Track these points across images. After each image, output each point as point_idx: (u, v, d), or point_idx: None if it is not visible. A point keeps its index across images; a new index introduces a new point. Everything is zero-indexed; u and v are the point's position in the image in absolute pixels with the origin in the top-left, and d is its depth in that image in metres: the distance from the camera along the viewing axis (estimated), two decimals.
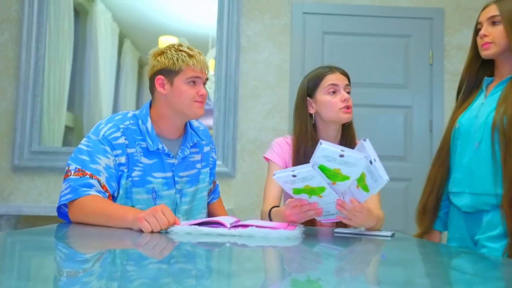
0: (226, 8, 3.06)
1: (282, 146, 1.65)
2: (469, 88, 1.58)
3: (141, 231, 1.19)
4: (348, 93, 1.59)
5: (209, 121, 3.04)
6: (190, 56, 1.45)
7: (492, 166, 1.38)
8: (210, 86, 3.11)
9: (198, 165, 1.59)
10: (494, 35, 1.44)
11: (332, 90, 1.56)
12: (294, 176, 1.16)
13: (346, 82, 1.59)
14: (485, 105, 1.46)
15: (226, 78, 3.04)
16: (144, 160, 1.45)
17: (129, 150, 1.44)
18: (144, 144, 1.46)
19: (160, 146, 1.47)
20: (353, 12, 3.17)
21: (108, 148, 1.41)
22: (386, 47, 3.17)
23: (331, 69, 1.60)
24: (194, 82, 1.46)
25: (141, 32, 3.16)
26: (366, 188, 1.19)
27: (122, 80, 3.14)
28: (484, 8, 1.50)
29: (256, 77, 3.10)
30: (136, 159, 1.44)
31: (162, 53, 1.47)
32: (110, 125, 1.44)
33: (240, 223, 1.23)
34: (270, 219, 1.46)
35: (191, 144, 1.56)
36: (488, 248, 1.36)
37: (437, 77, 3.15)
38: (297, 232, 1.20)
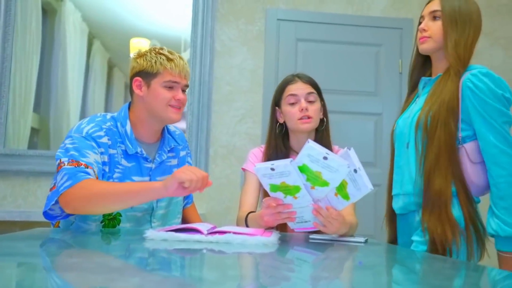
0: (201, 12, 3.05)
1: (257, 156, 1.69)
2: (412, 88, 1.57)
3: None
4: (312, 101, 1.60)
5: (182, 125, 3.02)
6: (169, 59, 1.44)
7: (415, 165, 1.39)
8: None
9: (175, 170, 1.57)
10: (433, 30, 1.42)
11: (291, 101, 1.59)
12: (272, 169, 1.17)
13: (308, 90, 1.59)
14: (416, 104, 1.46)
15: (200, 82, 3.02)
16: (124, 162, 1.44)
17: (111, 151, 1.42)
18: (123, 147, 1.45)
19: (138, 149, 1.46)
20: (326, 20, 3.22)
21: (94, 144, 1.38)
22: (357, 55, 3.23)
23: (294, 78, 1.63)
24: (171, 87, 1.45)
25: (111, 33, 3.10)
26: (346, 197, 1.21)
27: (91, 81, 3.08)
28: (428, 2, 1.48)
29: (230, 82, 3.10)
30: (117, 160, 1.43)
31: (142, 55, 1.46)
32: (92, 124, 1.42)
33: (217, 229, 1.22)
34: (247, 225, 1.47)
35: (168, 149, 1.55)
36: (418, 249, 1.36)
37: (406, 85, 3.23)
38: (273, 238, 1.20)
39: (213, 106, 3.05)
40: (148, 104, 1.45)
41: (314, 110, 1.59)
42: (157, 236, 1.16)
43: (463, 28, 1.40)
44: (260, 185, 1.65)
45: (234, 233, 1.17)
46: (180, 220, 1.61)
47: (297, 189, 1.19)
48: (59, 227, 1.49)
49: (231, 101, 3.09)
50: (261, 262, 1.05)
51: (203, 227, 1.23)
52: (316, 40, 3.21)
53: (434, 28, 1.42)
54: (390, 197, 1.55)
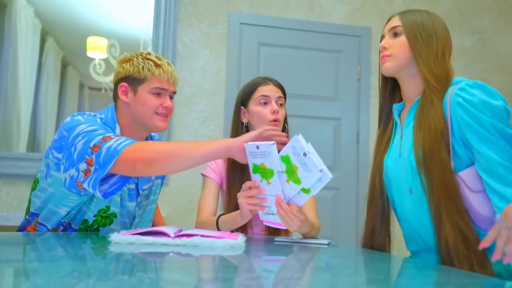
0: (163, 13, 3.02)
1: (217, 161, 1.68)
2: (385, 116, 1.40)
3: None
4: (281, 105, 1.62)
5: None
6: (157, 65, 1.39)
7: (428, 214, 1.19)
8: None
9: (158, 180, 1.58)
10: (393, 47, 1.29)
11: (263, 101, 1.60)
12: (257, 147, 1.22)
13: (279, 94, 1.62)
14: (404, 139, 1.29)
15: None
16: None
17: None
18: None
19: None
20: (288, 26, 3.27)
21: (100, 122, 1.34)
22: (318, 61, 3.30)
23: (265, 81, 1.64)
24: (159, 93, 1.40)
25: (66, 30, 3.01)
26: (298, 181, 1.19)
27: (43, 79, 2.97)
28: (388, 20, 1.36)
29: (192, 84, 3.08)
30: None
31: (128, 60, 1.41)
32: (86, 116, 1.36)
33: (184, 232, 1.21)
34: (218, 228, 1.47)
35: None
36: None
37: (364, 92, 3.33)
38: (240, 241, 1.21)
39: (175, 109, 3.02)
40: (134, 111, 1.40)
41: (282, 114, 1.62)
42: (122, 239, 1.14)
43: (429, 42, 1.26)
44: (219, 191, 1.66)
45: (202, 236, 1.17)
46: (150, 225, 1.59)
47: (271, 173, 1.23)
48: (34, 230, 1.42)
49: (194, 104, 3.07)
50: (229, 265, 1.06)
51: (170, 230, 1.22)
52: (278, 45, 3.26)
53: (395, 45, 1.29)
54: (367, 234, 1.40)
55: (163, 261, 1.04)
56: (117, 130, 1.40)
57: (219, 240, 1.16)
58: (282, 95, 1.64)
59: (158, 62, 1.40)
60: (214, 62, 3.13)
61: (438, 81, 1.23)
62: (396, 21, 1.31)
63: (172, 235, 1.17)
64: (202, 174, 1.69)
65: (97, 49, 3.09)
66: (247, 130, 1.66)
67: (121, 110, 1.43)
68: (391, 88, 1.39)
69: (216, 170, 1.66)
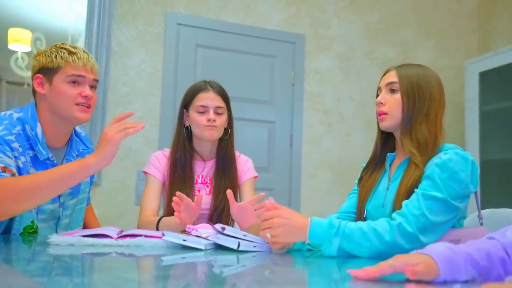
0: (97, 9, 2.93)
1: (160, 159, 1.68)
2: (377, 162, 1.39)
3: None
4: (220, 113, 1.64)
5: None
6: (71, 53, 1.35)
7: None
8: None
9: None
10: (390, 104, 1.29)
11: (200, 110, 1.63)
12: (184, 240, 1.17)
13: (218, 104, 1.64)
14: (389, 192, 1.30)
15: None
16: (32, 171, 1.32)
17: (22, 159, 1.30)
18: (32, 153, 1.33)
19: (50, 155, 1.35)
20: (225, 29, 3.31)
21: (7, 148, 1.25)
22: (254, 65, 3.37)
23: (206, 86, 1.65)
24: (76, 82, 1.35)
25: None
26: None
27: None
28: (385, 73, 1.35)
29: (127, 83, 3.02)
30: (26, 169, 1.30)
31: (42, 52, 1.38)
32: (1, 127, 1.29)
33: (127, 232, 1.21)
34: (157, 230, 1.46)
35: (76, 153, 1.47)
36: None
37: (298, 96, 3.46)
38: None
39: (108, 108, 2.95)
40: (52, 103, 1.35)
41: (221, 121, 1.65)
42: (62, 241, 1.12)
43: (422, 103, 1.26)
44: (162, 189, 1.66)
45: (146, 236, 1.17)
46: (81, 227, 1.54)
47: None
48: None
49: (128, 103, 3.01)
50: (174, 264, 1.07)
51: (111, 231, 1.21)
52: (215, 47, 3.28)
53: (392, 102, 1.29)
54: None
55: (105, 261, 1.03)
56: (38, 129, 1.34)
57: (163, 241, 1.17)
58: (221, 103, 1.65)
59: (73, 50, 1.36)
60: (150, 62, 3.09)
61: (422, 149, 1.23)
62: (393, 77, 1.30)
63: (115, 236, 1.16)
64: (145, 172, 1.68)
65: (19, 42, 2.93)
66: (189, 133, 1.68)
67: (40, 104, 1.38)
68: (385, 136, 1.39)
69: (158, 167, 1.66)
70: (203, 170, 1.70)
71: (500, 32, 3.74)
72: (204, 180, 1.70)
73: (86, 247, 1.12)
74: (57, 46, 1.37)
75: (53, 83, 1.35)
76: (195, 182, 1.67)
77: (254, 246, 1.13)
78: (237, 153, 1.77)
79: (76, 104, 1.35)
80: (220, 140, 1.70)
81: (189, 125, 1.67)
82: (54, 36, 2.89)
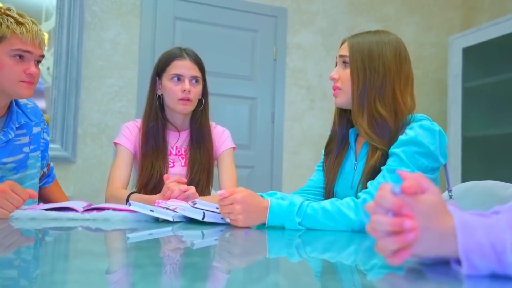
0: None
1: (131, 129, 1.61)
2: (339, 139, 1.29)
3: None
4: (196, 82, 1.56)
5: (39, 103, 2.73)
6: (19, 23, 1.22)
7: None
8: (43, 63, 2.78)
9: (26, 149, 1.40)
10: (342, 79, 1.20)
11: (175, 79, 1.54)
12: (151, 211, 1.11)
13: (194, 73, 1.55)
14: (357, 172, 1.23)
15: (68, 55, 2.77)
16: None
17: None
18: None
19: None
20: (205, 1, 3.19)
21: None
22: (234, 39, 3.28)
23: (181, 54, 1.56)
24: (21, 56, 1.23)
25: None
26: None
27: None
28: (341, 44, 1.25)
29: (102, 57, 2.89)
30: None
31: None
32: None
33: (94, 206, 1.14)
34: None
35: (17, 126, 1.36)
36: None
37: (280, 72, 3.38)
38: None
39: (82, 82, 2.83)
40: None
41: (196, 92, 1.57)
42: (23, 215, 1.04)
43: (373, 78, 1.15)
44: (132, 160, 1.59)
45: (114, 209, 1.10)
46: (36, 203, 1.45)
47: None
48: None
49: (103, 77, 2.89)
50: (140, 238, 1.01)
51: (78, 205, 1.14)
52: (195, 20, 3.17)
53: (343, 77, 1.19)
54: None
55: (69, 234, 0.97)
56: None
57: (132, 214, 1.10)
58: (197, 73, 1.57)
59: (21, 19, 1.23)
60: (126, 34, 2.96)
61: (381, 129, 1.15)
62: (344, 49, 1.21)
63: (81, 209, 1.09)
64: (115, 143, 1.60)
65: None
66: (161, 102, 1.60)
67: None
68: (345, 111, 1.28)
69: (130, 137, 1.59)
70: (177, 141, 1.63)
71: (484, 8, 3.71)
72: (179, 152, 1.63)
73: (49, 221, 1.05)
74: (2, 11, 1.24)
75: None
76: (168, 153, 1.60)
77: (222, 218, 1.07)
78: (213, 124, 1.70)
79: (21, 81, 1.25)
80: (194, 111, 1.63)
81: (161, 94, 1.59)
82: (26, 10, 2.73)
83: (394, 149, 1.12)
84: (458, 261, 0.55)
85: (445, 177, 1.27)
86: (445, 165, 1.20)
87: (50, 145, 2.67)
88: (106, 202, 1.45)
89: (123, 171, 1.54)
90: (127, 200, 1.38)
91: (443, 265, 0.59)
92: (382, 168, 1.12)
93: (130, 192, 1.42)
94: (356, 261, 0.77)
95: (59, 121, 2.74)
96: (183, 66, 1.55)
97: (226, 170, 1.61)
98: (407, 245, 0.54)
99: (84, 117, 2.83)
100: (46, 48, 2.72)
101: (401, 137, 1.12)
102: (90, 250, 0.77)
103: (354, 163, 1.25)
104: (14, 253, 0.73)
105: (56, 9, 2.77)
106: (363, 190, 1.12)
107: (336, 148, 1.29)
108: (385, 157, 1.15)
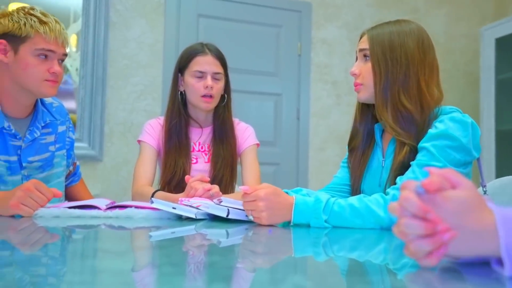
0: None
1: (154, 127, 1.61)
2: (364, 135, 1.24)
3: (12, 216, 1.05)
4: (218, 79, 1.55)
5: (68, 104, 2.77)
6: (42, 22, 1.22)
7: None
8: (72, 64, 2.83)
9: (52, 148, 1.41)
10: (364, 74, 1.15)
11: (198, 75, 1.53)
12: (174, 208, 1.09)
13: (216, 70, 1.54)
14: (385, 169, 1.17)
15: (94, 54, 2.80)
16: None
17: None
18: None
19: (6, 124, 1.26)
20: None
21: None
22: (258, 35, 3.25)
23: (204, 49, 1.55)
24: (45, 55, 1.24)
25: None
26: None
27: None
28: (360, 37, 1.20)
29: (127, 55, 2.92)
30: None
31: (7, 14, 1.24)
32: None
33: (117, 204, 1.13)
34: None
35: (43, 124, 1.37)
36: None
37: (305, 67, 3.34)
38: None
39: (108, 81, 2.86)
40: (15, 74, 1.24)
41: (218, 88, 1.55)
42: (46, 213, 1.05)
43: (396, 70, 1.10)
44: (157, 157, 1.59)
45: (136, 207, 1.09)
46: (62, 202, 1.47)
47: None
48: None
49: (129, 76, 2.91)
50: (165, 236, 1.00)
51: (101, 202, 1.13)
52: (218, 17, 3.16)
53: (365, 71, 1.15)
54: None
55: (92, 233, 0.96)
56: None
57: (155, 212, 1.09)
58: (219, 69, 1.55)
59: (44, 18, 1.24)
60: (151, 33, 2.97)
61: (407, 123, 1.10)
62: (364, 42, 1.16)
63: (104, 207, 1.09)
64: (139, 141, 1.61)
65: None
66: (183, 99, 1.59)
67: (0, 72, 1.27)
68: (367, 107, 1.23)
69: (153, 135, 1.59)
70: (200, 137, 1.63)
71: None
72: (202, 148, 1.62)
73: (72, 219, 1.04)
74: (26, 11, 1.25)
75: (19, 53, 1.24)
76: (191, 150, 1.59)
77: (247, 216, 1.04)
78: (236, 120, 1.68)
79: (46, 80, 1.26)
80: (217, 107, 1.61)
81: (184, 91, 1.58)
82: (55, 11, 2.76)
83: (423, 144, 1.07)
84: (500, 261, 0.51)
85: (479, 171, 1.21)
86: (478, 159, 1.14)
87: (78, 144, 2.74)
88: (132, 199, 1.45)
89: (148, 168, 1.53)
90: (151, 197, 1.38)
91: (482, 265, 0.55)
92: (411, 163, 1.07)
93: (155, 190, 1.42)
94: (386, 260, 0.73)
95: (86, 120, 2.77)
96: (205, 62, 1.53)
97: (249, 167, 1.59)
98: (442, 245, 0.50)
99: (110, 116, 2.86)
100: (74, 49, 2.80)
101: (431, 131, 1.07)
102: (114, 249, 0.76)
103: (381, 160, 1.20)
104: (40, 251, 0.73)
105: (82, 9, 2.81)
106: (392, 186, 1.07)
107: (361, 145, 1.24)
108: (413, 152, 1.09)
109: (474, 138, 1.07)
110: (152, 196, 1.35)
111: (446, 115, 1.08)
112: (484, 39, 3.26)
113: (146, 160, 1.54)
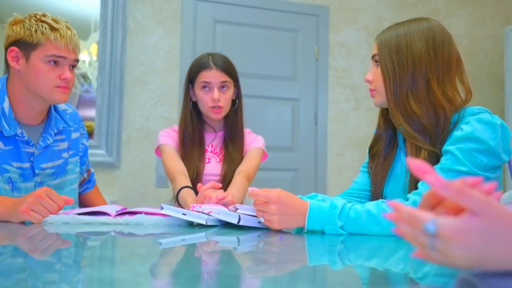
0: None
1: (170, 132, 1.65)
2: (387, 139, 1.21)
3: (22, 223, 1.04)
4: (226, 88, 1.58)
5: (90, 112, 2.79)
6: (53, 28, 1.22)
7: None
8: (92, 73, 2.85)
9: (65, 154, 1.40)
10: (376, 80, 1.13)
11: (205, 87, 1.58)
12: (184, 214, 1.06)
13: (222, 79, 1.57)
14: (409, 173, 1.12)
15: (111, 62, 2.82)
16: (0, 145, 1.24)
17: None
18: None
19: (18, 131, 1.26)
20: (245, 3, 3.16)
21: None
22: (275, 40, 3.22)
23: (209, 65, 1.57)
24: (56, 62, 1.24)
25: (9, 8, 2.77)
26: None
27: None
28: (375, 41, 1.18)
29: (144, 62, 2.93)
30: None
31: (19, 22, 1.24)
32: None
33: (127, 210, 1.11)
34: (177, 199, 1.42)
35: (56, 131, 1.36)
36: None
37: (322, 72, 3.29)
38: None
39: (126, 88, 2.87)
40: (27, 81, 1.25)
41: (226, 99, 1.59)
42: (57, 219, 1.03)
43: (402, 72, 1.07)
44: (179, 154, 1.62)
45: (146, 213, 1.07)
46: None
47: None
48: None
49: (146, 83, 2.92)
50: (175, 243, 0.97)
51: (111, 209, 1.11)
52: (234, 23, 3.15)
53: (376, 76, 1.13)
54: None
55: (101, 239, 0.94)
56: (6, 104, 1.25)
57: (165, 218, 1.06)
58: (226, 79, 1.58)
59: (55, 25, 1.23)
60: (168, 39, 2.98)
61: (422, 128, 1.06)
62: (375, 47, 1.14)
63: (114, 213, 1.07)
64: (158, 147, 1.63)
65: None
66: (196, 107, 1.63)
67: (13, 79, 1.27)
68: (386, 110, 1.19)
69: (172, 136, 1.63)
70: (213, 140, 1.68)
71: None
72: (214, 150, 1.67)
73: (82, 225, 1.03)
74: (37, 18, 1.25)
75: (30, 60, 1.24)
76: (204, 151, 1.64)
77: (259, 222, 1.00)
78: (248, 130, 1.72)
79: (56, 86, 1.26)
80: (229, 112, 1.65)
81: (196, 101, 1.64)
82: (76, 22, 2.81)
83: (447, 146, 1.02)
84: None
85: (510, 176, 1.14)
86: (509, 163, 1.07)
87: (95, 151, 2.75)
88: (174, 190, 1.47)
89: (177, 161, 1.55)
90: (177, 193, 1.40)
91: (503, 276, 0.50)
92: (435, 167, 1.02)
93: (182, 187, 1.42)
94: (406, 269, 0.68)
95: (103, 126, 2.78)
96: (211, 76, 1.57)
97: (245, 162, 1.60)
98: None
99: (127, 123, 2.87)
100: (95, 58, 2.82)
101: (456, 133, 1.01)
102: (124, 256, 0.74)
103: (405, 165, 1.14)
104: (52, 256, 0.71)
105: (100, 17, 2.83)
106: (412, 191, 1.02)
107: (383, 150, 1.20)
108: (433, 156, 1.04)
109: (504, 140, 1.01)
110: (179, 192, 1.38)
111: (473, 116, 1.03)
112: (508, 39, 3.16)
113: (173, 155, 1.57)
